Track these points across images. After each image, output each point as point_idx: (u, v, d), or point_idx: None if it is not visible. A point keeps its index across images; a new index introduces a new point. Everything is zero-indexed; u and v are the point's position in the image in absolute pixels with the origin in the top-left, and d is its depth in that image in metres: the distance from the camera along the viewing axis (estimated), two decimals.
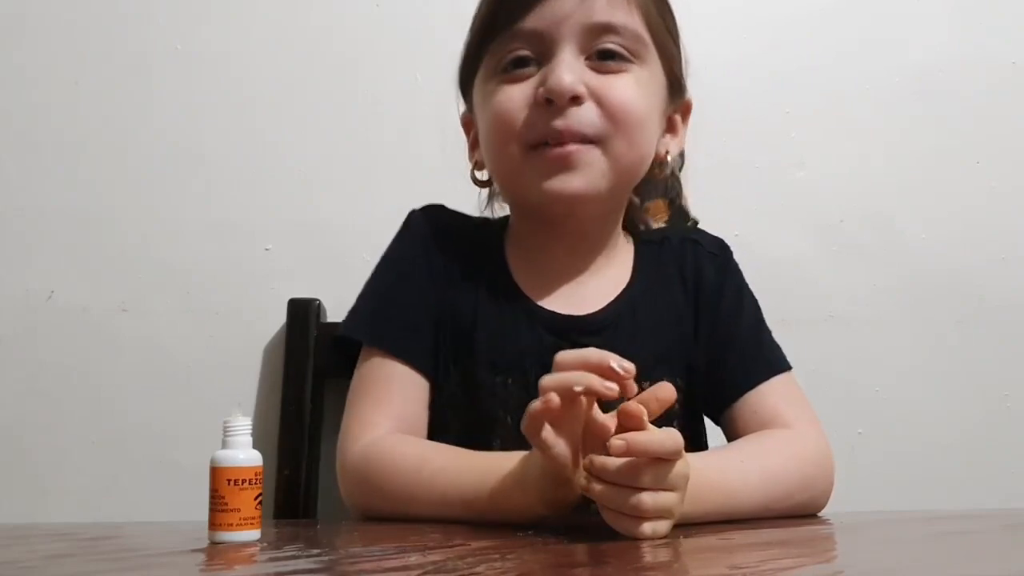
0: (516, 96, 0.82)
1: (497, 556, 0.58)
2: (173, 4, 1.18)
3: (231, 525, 0.64)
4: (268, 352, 1.13)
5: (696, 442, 0.90)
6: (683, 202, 0.97)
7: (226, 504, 0.64)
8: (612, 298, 0.89)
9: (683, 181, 0.96)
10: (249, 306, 1.13)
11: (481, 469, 0.74)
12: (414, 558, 0.58)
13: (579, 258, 0.90)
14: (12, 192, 1.14)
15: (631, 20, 0.83)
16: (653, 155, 0.87)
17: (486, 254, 0.91)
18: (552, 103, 0.80)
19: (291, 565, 0.58)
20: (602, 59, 0.82)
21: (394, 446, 0.82)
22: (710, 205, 1.00)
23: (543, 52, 0.82)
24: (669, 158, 0.90)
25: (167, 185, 1.15)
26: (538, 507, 0.70)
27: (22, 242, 1.13)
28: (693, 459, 0.66)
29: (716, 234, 0.97)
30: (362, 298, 0.91)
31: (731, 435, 0.88)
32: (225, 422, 0.66)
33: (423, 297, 0.88)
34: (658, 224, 0.97)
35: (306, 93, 1.18)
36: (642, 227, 0.96)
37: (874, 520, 0.81)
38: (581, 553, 0.61)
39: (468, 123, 0.94)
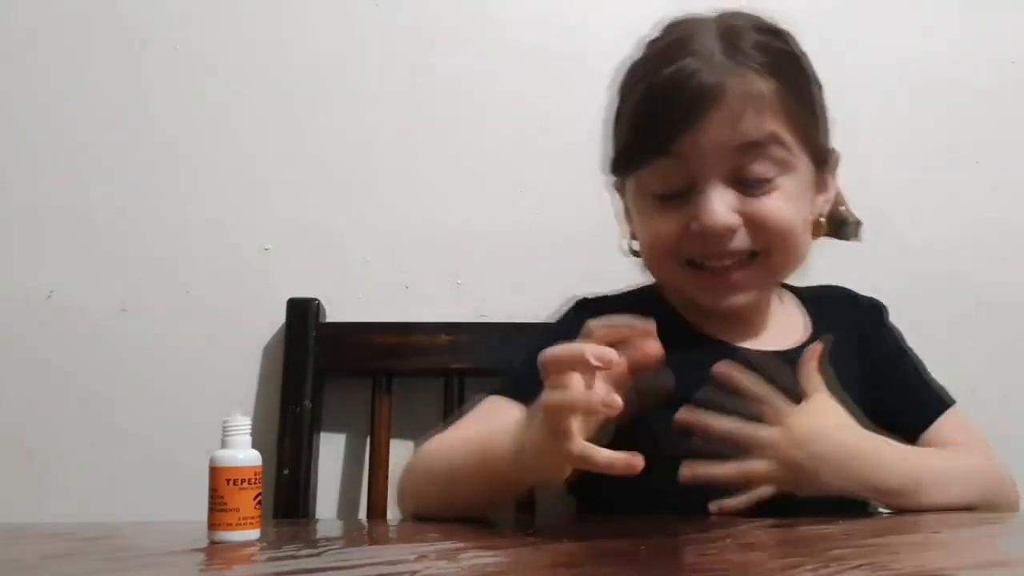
0: (671, 224, 0.85)
1: (497, 555, 0.58)
2: (172, 4, 1.18)
3: (230, 525, 0.64)
4: (267, 352, 1.13)
5: None
6: (844, 208, 0.99)
7: (225, 504, 0.64)
8: (800, 342, 0.90)
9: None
10: (248, 306, 1.13)
11: (478, 440, 0.75)
12: (413, 557, 0.58)
13: (748, 313, 0.92)
14: (11, 192, 1.14)
15: (775, 126, 0.83)
16: (808, 247, 0.90)
17: (656, 312, 0.85)
18: (704, 236, 0.83)
19: (290, 565, 0.58)
20: (748, 182, 0.83)
21: (443, 438, 0.83)
22: None
23: (693, 179, 0.83)
24: (821, 219, 0.92)
25: (167, 185, 1.15)
26: (525, 477, 0.71)
27: (21, 241, 1.13)
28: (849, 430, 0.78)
29: None
30: None
31: None
32: (224, 422, 0.67)
33: None
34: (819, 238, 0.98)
35: (306, 93, 1.18)
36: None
37: (871, 519, 0.81)
38: (581, 552, 0.61)
39: (620, 188, 0.96)
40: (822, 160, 0.91)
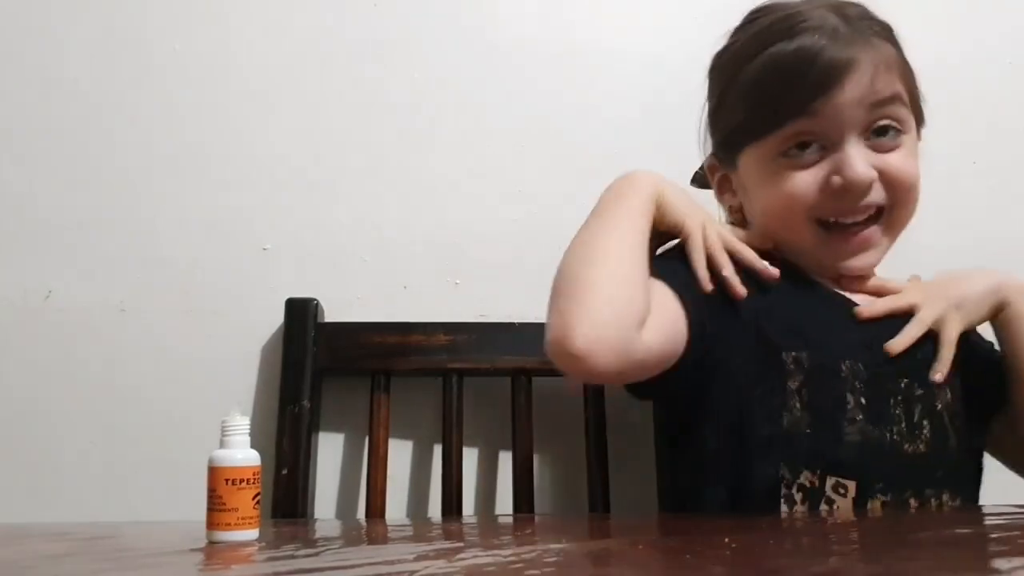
0: (807, 181, 0.88)
1: (496, 555, 0.58)
2: (172, 4, 1.18)
3: (229, 525, 0.64)
4: (266, 351, 1.13)
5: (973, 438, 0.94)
6: None
7: (224, 504, 0.64)
8: None
9: None
10: (247, 306, 1.13)
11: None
12: (412, 557, 0.58)
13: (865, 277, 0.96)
14: (10, 191, 1.14)
15: (897, 88, 0.88)
16: None
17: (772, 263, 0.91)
18: (847, 191, 0.87)
19: (289, 565, 0.58)
20: (879, 137, 0.88)
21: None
22: (712, 205, 1.00)
23: (829, 137, 0.87)
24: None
25: (166, 185, 1.15)
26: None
27: (20, 241, 1.13)
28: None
29: None
30: None
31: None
32: (223, 422, 0.67)
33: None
34: None
35: (304, 93, 1.18)
36: None
37: (871, 520, 0.81)
38: (581, 552, 0.61)
39: (714, 168, 0.97)
40: (921, 123, 0.96)
